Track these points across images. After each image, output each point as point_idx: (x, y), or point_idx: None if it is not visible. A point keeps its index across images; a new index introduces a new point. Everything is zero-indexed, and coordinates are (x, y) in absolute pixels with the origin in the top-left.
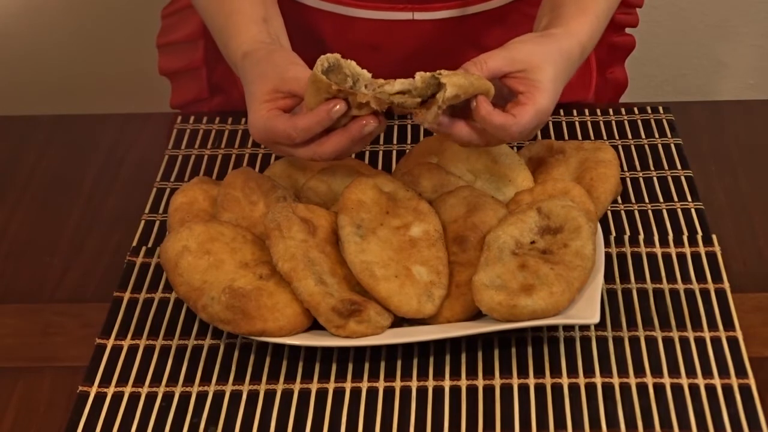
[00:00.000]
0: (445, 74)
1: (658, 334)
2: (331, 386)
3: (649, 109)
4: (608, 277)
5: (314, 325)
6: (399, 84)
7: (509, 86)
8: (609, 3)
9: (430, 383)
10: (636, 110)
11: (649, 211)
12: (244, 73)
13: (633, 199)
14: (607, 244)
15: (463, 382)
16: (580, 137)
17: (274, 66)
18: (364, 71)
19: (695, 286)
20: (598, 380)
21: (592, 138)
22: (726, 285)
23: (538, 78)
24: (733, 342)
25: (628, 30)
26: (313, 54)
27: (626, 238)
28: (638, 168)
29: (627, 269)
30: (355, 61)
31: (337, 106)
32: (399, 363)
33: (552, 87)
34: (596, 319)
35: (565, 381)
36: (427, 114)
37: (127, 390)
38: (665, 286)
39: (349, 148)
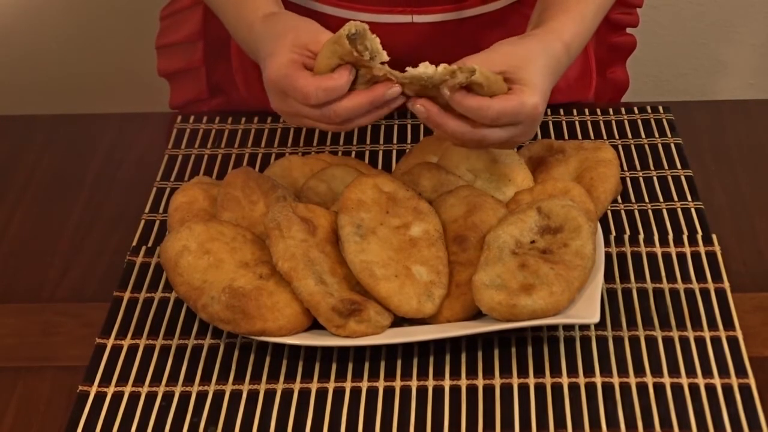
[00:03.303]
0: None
1: (658, 334)
2: (331, 386)
3: (649, 109)
4: (608, 276)
5: (314, 325)
6: (423, 66)
7: None
8: (596, 4)
9: (430, 383)
10: (636, 110)
11: (649, 211)
12: (265, 30)
13: (633, 199)
14: (607, 243)
15: (463, 382)
16: (580, 137)
17: (308, 24)
18: (384, 52)
19: (695, 286)
20: (598, 380)
21: (592, 138)
22: (726, 285)
23: (522, 76)
24: (733, 342)
25: (628, 30)
26: None
27: (626, 237)
28: (638, 168)
29: (627, 269)
30: None
31: (352, 76)
32: (399, 363)
33: (539, 83)
34: (596, 318)
35: (565, 381)
36: (450, 80)
37: (127, 390)
38: (665, 285)
39: (366, 113)
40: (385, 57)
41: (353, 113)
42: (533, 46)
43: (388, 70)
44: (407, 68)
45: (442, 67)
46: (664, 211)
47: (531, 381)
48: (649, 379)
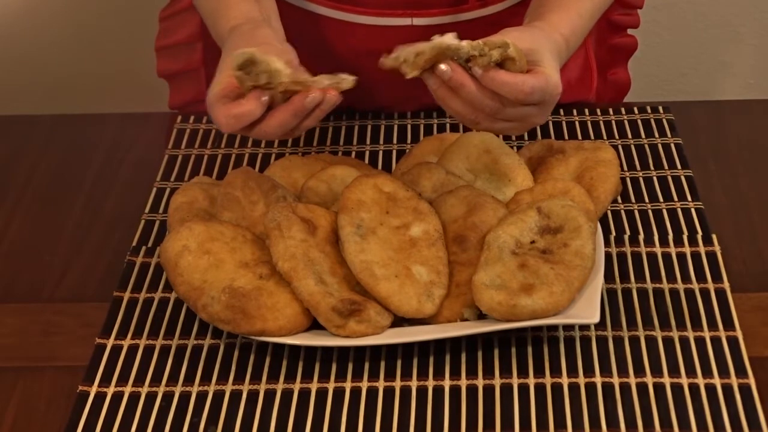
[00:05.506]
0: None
1: (658, 334)
2: (331, 386)
3: (649, 109)
4: (608, 276)
5: (314, 325)
6: (448, 37)
7: None
8: (593, 3)
9: (430, 383)
10: (636, 110)
11: (649, 211)
12: (226, 46)
13: (633, 199)
14: (607, 243)
15: (463, 382)
16: (580, 137)
17: (250, 42)
18: (284, 68)
19: (695, 286)
20: (598, 380)
21: (592, 138)
22: (726, 285)
23: (537, 59)
24: (733, 342)
25: (629, 31)
26: (308, 58)
27: (626, 237)
28: (638, 168)
29: (627, 269)
30: (353, 66)
31: (264, 98)
32: (399, 363)
33: (554, 65)
34: (596, 318)
35: (565, 381)
36: (480, 59)
37: (127, 390)
38: (665, 285)
39: (297, 124)
40: (287, 71)
41: (282, 129)
42: (539, 35)
43: (295, 80)
44: (434, 36)
45: (467, 42)
46: (664, 211)
47: (531, 381)
48: (649, 379)
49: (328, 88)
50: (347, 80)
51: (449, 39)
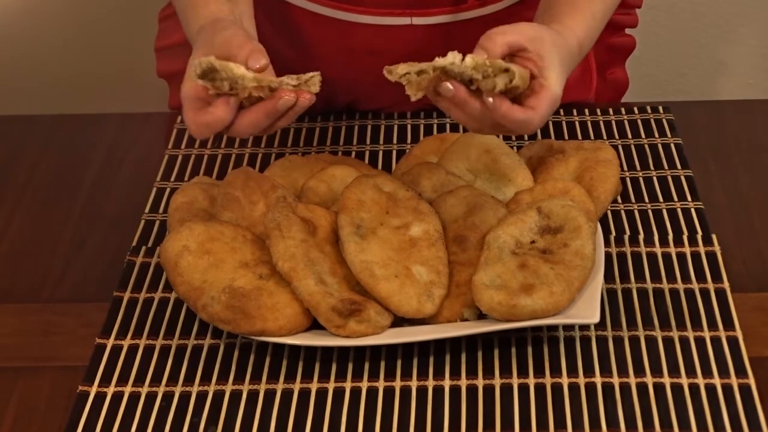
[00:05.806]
0: (506, 64)
1: (658, 334)
2: (331, 386)
3: (649, 109)
4: (608, 276)
5: (314, 325)
6: (451, 55)
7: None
8: (605, 4)
9: (430, 383)
10: (636, 110)
11: (649, 211)
12: (195, 46)
13: (633, 199)
14: (607, 243)
15: (463, 382)
16: (580, 137)
17: (214, 39)
18: (246, 73)
19: (695, 286)
20: (598, 380)
21: (592, 138)
22: (726, 285)
23: (545, 64)
24: (733, 342)
25: (627, 30)
26: (306, 58)
27: (626, 237)
28: (638, 168)
29: (627, 269)
30: (353, 65)
31: (233, 102)
32: (399, 363)
33: (560, 70)
34: (596, 318)
35: (565, 381)
36: (484, 82)
37: (127, 390)
38: (665, 285)
39: (269, 124)
40: (250, 76)
41: (255, 129)
42: (554, 36)
43: (259, 83)
44: (436, 57)
45: (470, 58)
46: (664, 211)
47: (531, 381)
48: (649, 379)
49: (298, 90)
50: (314, 81)
51: (452, 58)
